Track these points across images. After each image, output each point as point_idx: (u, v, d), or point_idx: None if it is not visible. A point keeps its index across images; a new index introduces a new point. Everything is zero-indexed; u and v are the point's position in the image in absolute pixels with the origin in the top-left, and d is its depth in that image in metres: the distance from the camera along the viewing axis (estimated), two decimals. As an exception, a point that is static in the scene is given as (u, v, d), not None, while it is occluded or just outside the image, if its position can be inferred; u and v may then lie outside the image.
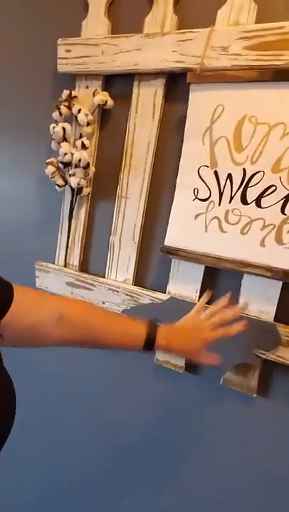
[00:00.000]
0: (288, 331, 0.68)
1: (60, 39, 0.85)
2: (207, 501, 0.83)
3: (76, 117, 0.84)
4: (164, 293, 0.81)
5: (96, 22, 0.84)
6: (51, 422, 1.04)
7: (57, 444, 1.04)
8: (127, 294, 0.84)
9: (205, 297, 0.71)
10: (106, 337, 0.59)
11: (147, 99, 0.79)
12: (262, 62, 0.65)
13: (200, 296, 0.77)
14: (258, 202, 0.68)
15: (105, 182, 0.88)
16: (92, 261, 0.92)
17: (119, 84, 0.84)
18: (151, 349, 0.61)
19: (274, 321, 0.70)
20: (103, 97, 0.83)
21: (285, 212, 0.66)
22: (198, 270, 0.76)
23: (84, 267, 0.93)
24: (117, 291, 0.85)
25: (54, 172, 0.86)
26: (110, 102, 0.84)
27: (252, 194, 0.68)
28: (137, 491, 0.93)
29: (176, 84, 0.77)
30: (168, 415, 0.86)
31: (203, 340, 0.63)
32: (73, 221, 0.92)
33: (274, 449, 0.75)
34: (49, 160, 0.87)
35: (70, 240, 0.93)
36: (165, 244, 0.78)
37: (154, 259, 0.84)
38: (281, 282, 0.69)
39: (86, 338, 0.58)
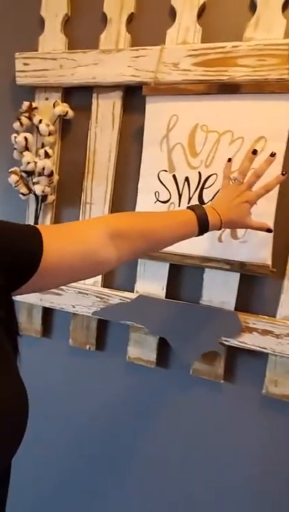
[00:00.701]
0: (247, 318, 0.74)
1: (17, 53, 0.88)
2: (180, 490, 0.87)
3: (38, 127, 0.87)
4: (133, 292, 0.85)
5: (53, 37, 0.88)
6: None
7: (28, 444, 1.02)
8: (96, 296, 0.86)
9: (228, 165, 0.69)
10: (166, 235, 0.56)
11: (106, 110, 0.84)
12: (208, 77, 0.73)
13: (167, 293, 0.82)
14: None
15: (69, 189, 0.91)
16: (59, 267, 0.94)
17: (79, 96, 0.88)
18: (207, 230, 0.59)
19: (235, 309, 0.76)
20: (63, 108, 0.87)
21: (238, 210, 0.73)
22: (163, 268, 0.81)
23: (52, 274, 0.94)
24: (87, 294, 0.87)
25: (18, 181, 0.88)
26: (71, 113, 0.88)
27: (208, 195, 0.75)
28: (114, 485, 0.94)
29: (133, 96, 0.82)
30: (143, 408, 0.89)
31: (247, 203, 0.63)
32: (39, 229, 0.93)
33: (242, 430, 0.81)
34: (12, 169, 0.88)
35: (36, 247, 0.94)
36: (131, 245, 0.82)
37: (120, 261, 0.88)
38: (239, 274, 0.75)
39: (148, 245, 0.54)
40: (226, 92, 0.72)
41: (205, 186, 0.75)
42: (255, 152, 0.64)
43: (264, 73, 0.69)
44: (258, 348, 0.74)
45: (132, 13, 0.81)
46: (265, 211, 0.70)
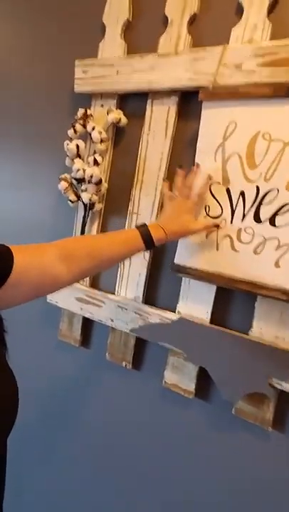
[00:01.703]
0: (305, 358, 0.63)
1: (77, 60, 0.87)
2: None
3: (90, 134, 0.85)
4: (174, 312, 0.78)
5: (112, 43, 0.85)
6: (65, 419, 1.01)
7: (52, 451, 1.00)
8: (136, 313, 0.81)
9: (164, 184, 0.76)
10: (111, 252, 0.61)
11: (160, 117, 0.79)
12: (275, 78, 0.64)
13: (212, 318, 0.74)
14: (271, 220, 0.65)
15: (118, 198, 0.88)
16: (102, 277, 0.91)
17: (133, 102, 0.84)
18: (153, 245, 0.64)
19: (290, 347, 0.65)
20: (117, 115, 0.84)
21: (301, 232, 0.62)
22: (210, 290, 0.73)
23: (94, 283, 0.92)
24: (126, 309, 0.83)
25: (67, 187, 0.87)
26: (124, 120, 0.85)
27: (266, 212, 0.65)
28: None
29: (189, 101, 0.76)
30: (174, 441, 0.82)
31: (187, 211, 0.69)
32: (85, 237, 0.92)
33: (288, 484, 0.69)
34: (62, 176, 0.88)
35: (81, 255, 0.92)
36: (175, 262, 0.76)
37: (164, 278, 0.82)
38: (297, 305, 0.65)
39: (94, 262, 0.59)
40: (295, 95, 0.62)
41: (263, 203, 0.65)
42: (180, 167, 0.73)
43: None
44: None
45: (194, 14, 0.75)
46: None
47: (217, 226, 0.70)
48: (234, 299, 0.73)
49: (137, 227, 0.66)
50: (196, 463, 0.79)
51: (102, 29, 0.87)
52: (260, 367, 0.66)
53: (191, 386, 0.77)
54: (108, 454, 0.92)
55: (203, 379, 0.76)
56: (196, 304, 0.76)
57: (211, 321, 0.74)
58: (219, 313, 0.74)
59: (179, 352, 0.76)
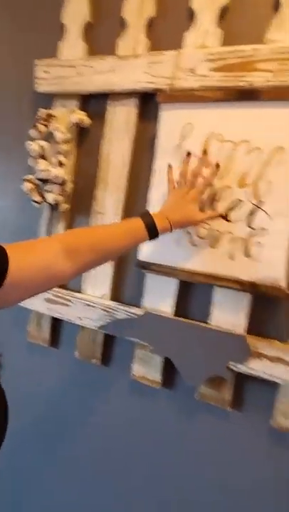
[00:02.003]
0: (257, 342, 0.68)
1: (37, 60, 0.88)
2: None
3: (53, 135, 0.86)
4: (140, 307, 0.81)
5: (73, 44, 0.87)
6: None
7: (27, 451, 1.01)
8: (103, 310, 0.84)
9: (170, 170, 0.73)
10: (114, 244, 0.60)
11: (121, 118, 0.82)
12: (226, 83, 0.68)
13: (176, 310, 0.78)
14: (226, 216, 0.69)
15: (83, 198, 0.89)
16: (70, 276, 0.93)
17: (96, 103, 0.86)
18: (157, 234, 0.63)
19: (246, 333, 0.70)
20: (80, 115, 0.85)
21: (252, 226, 0.67)
22: (172, 284, 0.77)
23: (62, 282, 0.93)
24: (94, 307, 0.85)
25: (31, 188, 0.88)
26: (87, 121, 0.86)
27: (220, 208, 0.70)
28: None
29: (149, 103, 0.79)
30: (144, 428, 0.85)
31: (191, 201, 0.68)
32: (51, 236, 0.93)
33: (246, 462, 0.74)
34: (26, 177, 0.88)
35: (48, 255, 0.93)
36: (139, 258, 0.79)
37: (130, 275, 0.85)
38: (251, 295, 0.69)
39: (98, 255, 0.58)
40: (244, 99, 0.67)
41: (218, 199, 0.70)
42: (189, 154, 0.70)
43: (286, 78, 0.63)
44: (268, 377, 0.67)
45: (151, 18, 0.78)
46: (281, 229, 0.64)
47: (223, 217, 0.69)
48: (195, 291, 0.77)
49: (141, 215, 0.63)
50: (166, 447, 0.83)
51: (62, 29, 0.88)
52: (218, 352, 0.70)
53: (157, 377, 0.80)
54: (82, 447, 0.94)
55: (169, 369, 0.79)
56: (160, 298, 0.79)
57: (175, 314, 0.78)
58: (182, 306, 0.78)
59: (146, 345, 0.80)
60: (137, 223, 0.62)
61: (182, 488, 0.81)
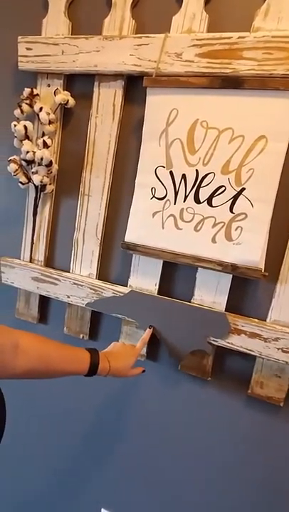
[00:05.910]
0: (236, 319, 0.74)
1: (20, 37, 0.86)
2: (164, 479, 0.90)
3: (38, 115, 0.86)
4: (126, 286, 0.85)
5: (56, 21, 0.85)
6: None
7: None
8: (90, 288, 0.87)
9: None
10: (59, 365, 0.63)
11: (107, 100, 0.82)
12: (212, 69, 0.70)
13: (159, 289, 0.82)
14: (209, 201, 0.73)
15: (69, 179, 0.90)
16: (57, 256, 0.95)
17: (80, 83, 0.86)
18: (95, 372, 0.67)
19: (225, 310, 0.76)
20: (64, 96, 0.85)
21: (234, 211, 0.71)
22: (157, 265, 0.81)
23: (49, 262, 0.96)
24: (81, 286, 0.88)
25: (17, 169, 0.88)
26: (72, 102, 0.86)
27: (204, 194, 0.73)
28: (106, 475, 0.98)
29: (135, 86, 0.80)
30: (129, 398, 0.92)
31: (134, 355, 0.74)
32: (38, 217, 0.94)
33: (225, 427, 0.82)
34: (11, 157, 0.88)
35: (35, 235, 0.95)
36: (125, 240, 0.82)
37: (116, 255, 0.88)
38: (231, 275, 0.75)
39: (41, 366, 0.60)
40: (228, 86, 0.68)
41: (202, 185, 0.73)
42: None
43: (269, 68, 0.66)
44: (246, 350, 0.74)
45: (137, -3, 0.77)
46: (261, 214, 0.69)
47: (143, 371, 0.77)
48: (178, 271, 0.81)
49: (90, 351, 0.67)
50: (150, 416, 0.90)
51: (45, 5, 0.85)
52: (200, 328, 0.76)
53: (143, 350, 0.86)
54: (72, 419, 1.00)
55: (153, 343, 0.85)
56: (145, 278, 0.83)
57: (159, 292, 0.82)
58: (166, 285, 0.82)
59: (132, 321, 0.84)
60: (84, 357, 0.66)
61: (164, 448, 0.89)
